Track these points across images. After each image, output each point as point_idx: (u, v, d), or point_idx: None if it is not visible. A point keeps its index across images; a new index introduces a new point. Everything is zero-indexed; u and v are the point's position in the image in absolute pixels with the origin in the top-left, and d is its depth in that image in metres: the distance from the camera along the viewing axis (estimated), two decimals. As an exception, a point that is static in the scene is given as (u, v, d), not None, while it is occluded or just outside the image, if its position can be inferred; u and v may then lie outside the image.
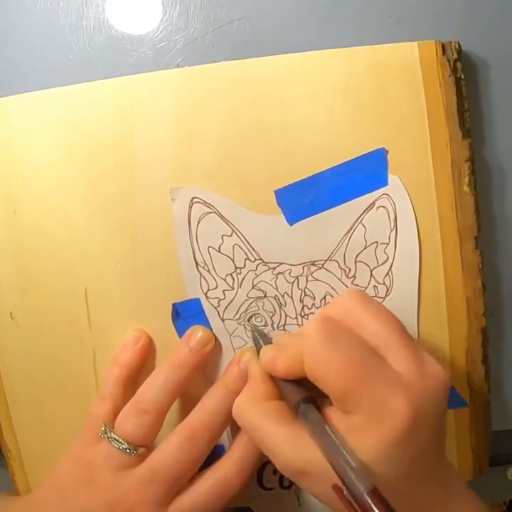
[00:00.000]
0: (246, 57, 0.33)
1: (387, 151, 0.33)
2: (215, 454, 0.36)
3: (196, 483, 0.32)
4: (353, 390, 0.27)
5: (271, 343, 0.32)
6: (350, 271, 0.34)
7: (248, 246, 0.34)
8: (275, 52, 0.33)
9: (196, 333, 0.34)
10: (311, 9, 0.35)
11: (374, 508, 0.24)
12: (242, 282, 0.34)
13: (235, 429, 0.36)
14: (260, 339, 0.33)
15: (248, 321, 0.34)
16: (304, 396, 0.29)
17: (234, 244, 0.34)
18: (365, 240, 0.34)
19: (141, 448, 0.32)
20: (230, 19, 0.35)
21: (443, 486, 0.28)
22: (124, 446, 0.31)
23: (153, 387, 0.32)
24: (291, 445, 0.28)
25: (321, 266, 0.34)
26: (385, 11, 0.34)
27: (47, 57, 0.35)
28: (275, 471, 0.37)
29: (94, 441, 0.32)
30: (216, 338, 0.35)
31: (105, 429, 0.32)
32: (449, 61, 0.32)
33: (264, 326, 0.34)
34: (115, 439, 0.31)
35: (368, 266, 0.34)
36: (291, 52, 0.33)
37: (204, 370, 0.35)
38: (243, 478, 0.32)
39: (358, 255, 0.34)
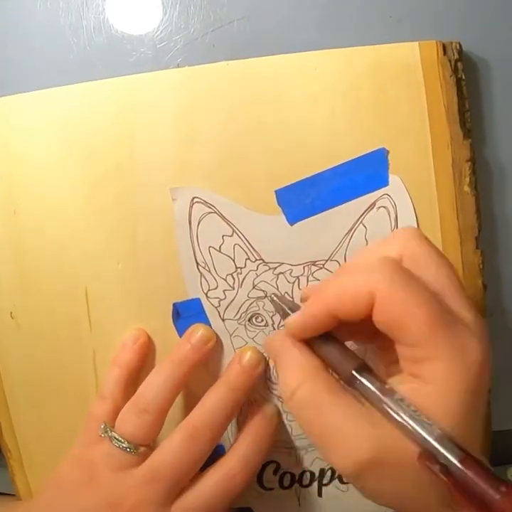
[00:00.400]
0: (246, 57, 0.33)
1: (387, 151, 0.33)
2: (216, 453, 0.36)
3: (200, 480, 0.32)
4: (432, 335, 0.24)
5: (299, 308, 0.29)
6: (350, 271, 0.34)
7: (249, 246, 0.34)
8: (275, 52, 0.33)
9: (197, 331, 0.34)
10: (311, 9, 0.35)
11: (475, 479, 0.22)
12: (242, 282, 0.34)
13: (237, 427, 0.36)
14: (285, 306, 0.30)
15: (249, 321, 0.34)
16: (358, 364, 0.25)
17: (234, 244, 0.34)
18: (366, 240, 0.34)
19: (142, 447, 0.31)
20: (230, 19, 0.35)
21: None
22: (124, 445, 0.31)
23: (154, 385, 0.32)
24: (357, 431, 0.24)
25: (321, 266, 0.34)
26: (385, 11, 0.35)
27: (47, 57, 0.36)
28: (275, 471, 0.37)
29: (94, 441, 0.32)
30: (217, 338, 0.35)
31: (105, 428, 0.32)
32: (450, 61, 0.32)
33: (265, 325, 0.34)
34: (115, 438, 0.31)
35: (369, 266, 0.34)
36: (291, 52, 0.33)
37: (205, 369, 0.35)
38: (248, 474, 0.32)
39: (358, 255, 0.34)
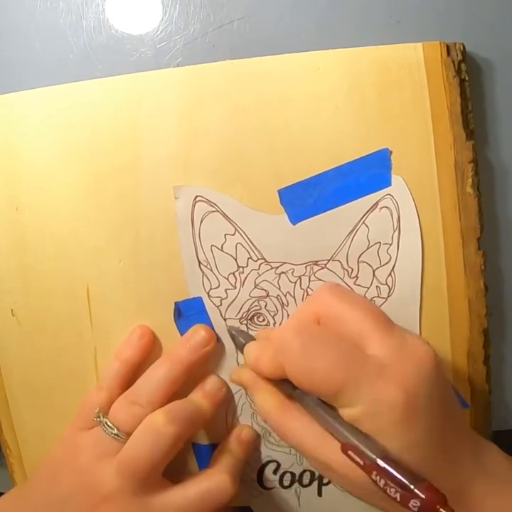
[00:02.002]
0: (246, 57, 0.33)
1: (390, 152, 0.33)
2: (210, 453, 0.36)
3: (189, 481, 0.33)
4: (340, 391, 0.27)
5: (253, 339, 0.33)
6: (352, 271, 0.34)
7: (251, 245, 0.34)
8: (275, 52, 0.33)
9: (198, 333, 0.34)
10: (310, 9, 0.35)
11: (391, 471, 0.25)
12: (244, 281, 0.34)
13: (234, 427, 0.36)
14: (240, 337, 0.34)
15: (250, 320, 0.34)
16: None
17: (237, 244, 0.34)
18: (368, 240, 0.34)
19: (127, 435, 0.32)
20: (230, 19, 0.35)
21: (466, 449, 0.28)
22: (114, 432, 0.32)
23: (149, 381, 0.33)
24: (312, 442, 0.29)
25: (323, 266, 0.34)
26: (384, 11, 0.35)
27: (47, 57, 0.35)
28: (275, 471, 0.37)
29: (85, 426, 0.33)
30: (218, 338, 0.35)
31: (99, 413, 0.33)
32: (453, 62, 0.32)
33: (266, 325, 0.34)
34: (107, 424, 0.32)
35: (371, 266, 0.34)
36: (290, 52, 0.33)
37: (205, 368, 0.35)
38: (233, 480, 0.33)
39: (360, 255, 0.34)
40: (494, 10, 0.35)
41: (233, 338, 0.34)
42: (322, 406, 0.29)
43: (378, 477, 0.25)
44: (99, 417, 0.33)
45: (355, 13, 0.35)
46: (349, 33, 0.35)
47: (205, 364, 0.35)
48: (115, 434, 0.32)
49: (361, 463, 0.26)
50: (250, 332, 0.35)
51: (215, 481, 0.32)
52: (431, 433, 0.27)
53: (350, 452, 0.27)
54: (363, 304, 0.30)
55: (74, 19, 0.35)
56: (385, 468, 0.25)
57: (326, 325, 0.30)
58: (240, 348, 0.34)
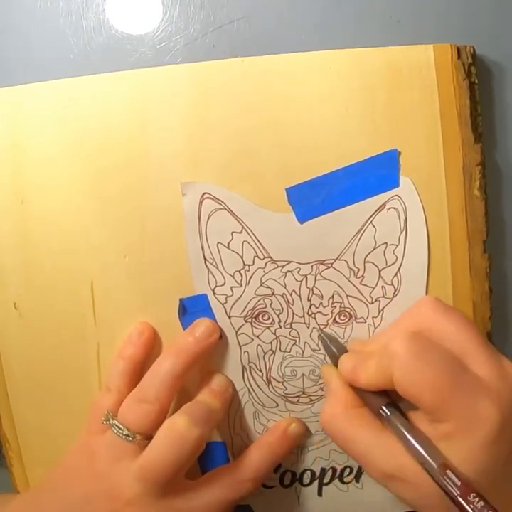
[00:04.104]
0: (246, 57, 0.33)
1: (399, 153, 0.33)
2: (217, 451, 0.36)
3: (208, 481, 0.33)
4: (444, 402, 0.27)
5: (344, 349, 0.33)
6: (359, 271, 0.34)
7: (257, 243, 0.34)
8: (275, 52, 0.33)
9: (202, 324, 0.34)
10: (310, 9, 0.35)
11: (472, 500, 0.25)
12: (250, 279, 0.34)
13: (236, 426, 0.36)
14: (331, 346, 0.34)
15: (255, 318, 0.34)
16: (386, 402, 0.30)
17: (243, 241, 0.34)
18: (375, 241, 0.34)
19: (139, 435, 0.32)
20: (230, 19, 0.35)
21: None
22: (124, 433, 0.32)
23: (155, 377, 0.33)
24: (381, 451, 0.29)
25: (330, 265, 0.34)
26: (385, 11, 0.35)
27: (47, 57, 0.35)
28: (276, 470, 0.37)
29: (97, 431, 0.33)
30: (222, 335, 0.34)
31: (108, 416, 0.32)
32: (463, 65, 0.33)
33: (271, 323, 0.34)
34: (116, 426, 0.32)
35: (377, 266, 0.34)
36: (290, 52, 0.33)
37: (209, 365, 0.35)
38: (256, 484, 0.33)
39: (367, 255, 0.34)
40: (491, 9, 0.35)
41: (325, 345, 0.34)
42: (408, 425, 0.29)
43: (476, 498, 0.26)
44: (108, 419, 0.32)
45: (355, 13, 0.35)
46: (349, 33, 0.35)
47: (209, 359, 0.34)
48: (126, 435, 0.32)
49: (459, 483, 0.26)
50: (254, 331, 0.35)
51: (238, 481, 0.33)
52: (509, 455, 0.28)
53: (448, 471, 0.27)
54: (466, 321, 0.30)
55: (74, 19, 0.35)
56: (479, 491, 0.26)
57: (429, 338, 0.30)
58: (331, 356, 0.34)
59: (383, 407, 0.30)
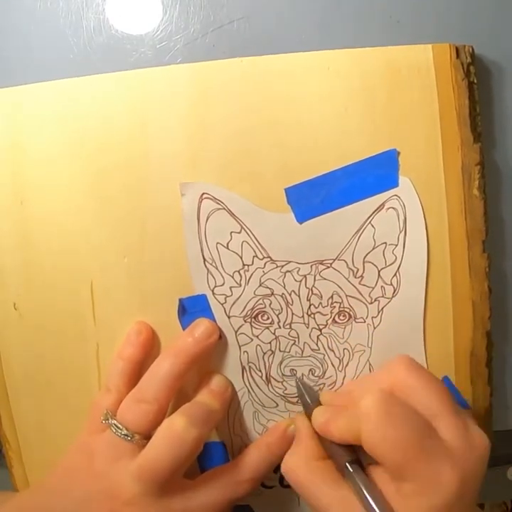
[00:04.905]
0: (246, 57, 0.33)
1: (398, 153, 0.33)
2: (217, 452, 0.36)
3: (206, 480, 0.33)
4: (407, 462, 0.28)
5: (317, 400, 0.34)
6: (358, 271, 0.34)
7: (257, 243, 0.34)
8: (275, 52, 0.33)
9: (201, 325, 0.34)
10: (310, 9, 0.35)
11: None
12: (249, 280, 0.34)
13: (236, 426, 0.36)
14: (306, 394, 0.34)
15: (254, 318, 0.34)
16: (351, 458, 0.30)
17: (242, 242, 0.34)
18: (374, 241, 0.34)
19: (138, 435, 0.32)
20: (230, 19, 0.35)
21: None
22: (123, 433, 0.32)
23: (154, 377, 0.33)
24: (341, 507, 0.29)
25: (329, 265, 0.34)
26: (385, 11, 0.35)
27: (47, 57, 0.35)
28: (276, 470, 0.37)
29: (97, 430, 0.33)
30: (222, 335, 0.35)
31: (107, 415, 0.33)
32: (462, 64, 0.33)
33: (271, 323, 0.34)
34: (115, 426, 0.32)
35: (376, 266, 0.34)
36: (290, 52, 0.33)
37: (208, 365, 0.35)
38: (254, 484, 0.33)
39: (366, 255, 0.34)
40: (491, 9, 0.35)
41: (299, 393, 0.35)
42: (369, 485, 0.29)
43: None
44: (107, 419, 0.32)
45: (355, 13, 0.35)
46: (349, 32, 0.35)
47: (208, 359, 0.34)
48: (125, 435, 0.32)
49: None
50: (254, 331, 0.35)
51: (236, 481, 0.33)
52: None
53: None
54: (437, 383, 0.30)
55: (74, 19, 0.35)
56: None
57: (399, 397, 0.30)
58: (304, 405, 0.35)
59: (347, 464, 0.30)
